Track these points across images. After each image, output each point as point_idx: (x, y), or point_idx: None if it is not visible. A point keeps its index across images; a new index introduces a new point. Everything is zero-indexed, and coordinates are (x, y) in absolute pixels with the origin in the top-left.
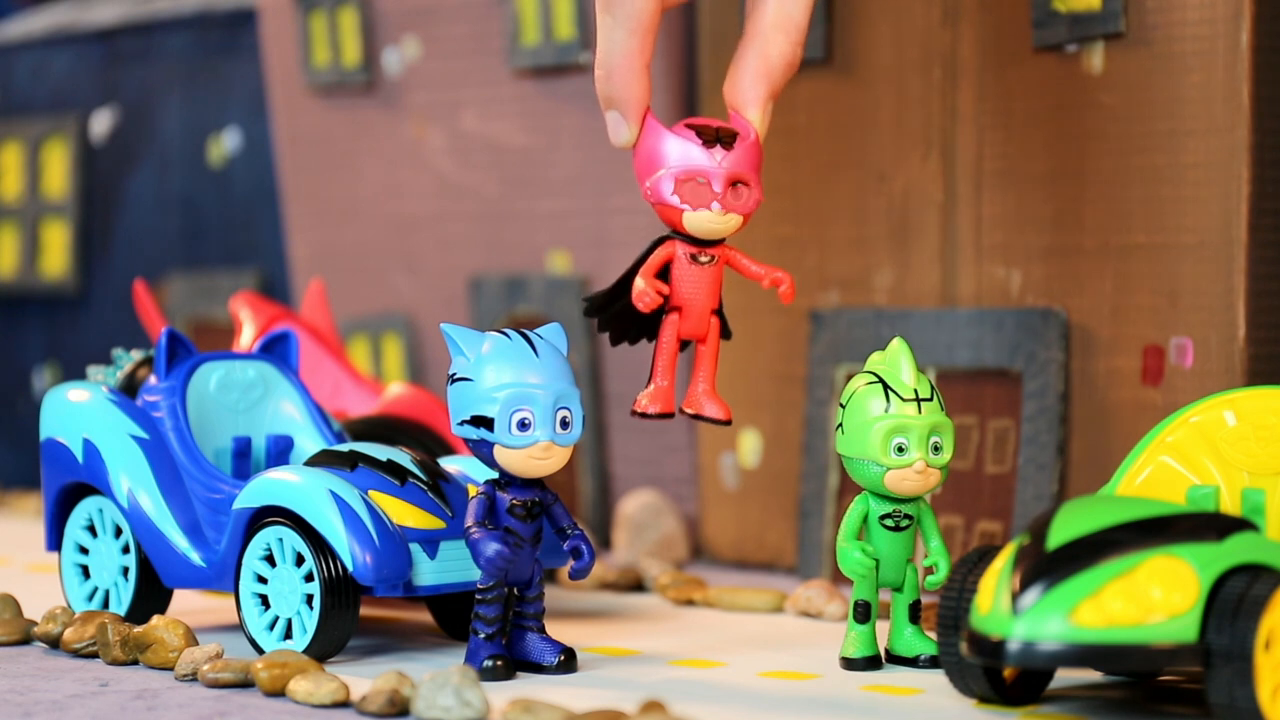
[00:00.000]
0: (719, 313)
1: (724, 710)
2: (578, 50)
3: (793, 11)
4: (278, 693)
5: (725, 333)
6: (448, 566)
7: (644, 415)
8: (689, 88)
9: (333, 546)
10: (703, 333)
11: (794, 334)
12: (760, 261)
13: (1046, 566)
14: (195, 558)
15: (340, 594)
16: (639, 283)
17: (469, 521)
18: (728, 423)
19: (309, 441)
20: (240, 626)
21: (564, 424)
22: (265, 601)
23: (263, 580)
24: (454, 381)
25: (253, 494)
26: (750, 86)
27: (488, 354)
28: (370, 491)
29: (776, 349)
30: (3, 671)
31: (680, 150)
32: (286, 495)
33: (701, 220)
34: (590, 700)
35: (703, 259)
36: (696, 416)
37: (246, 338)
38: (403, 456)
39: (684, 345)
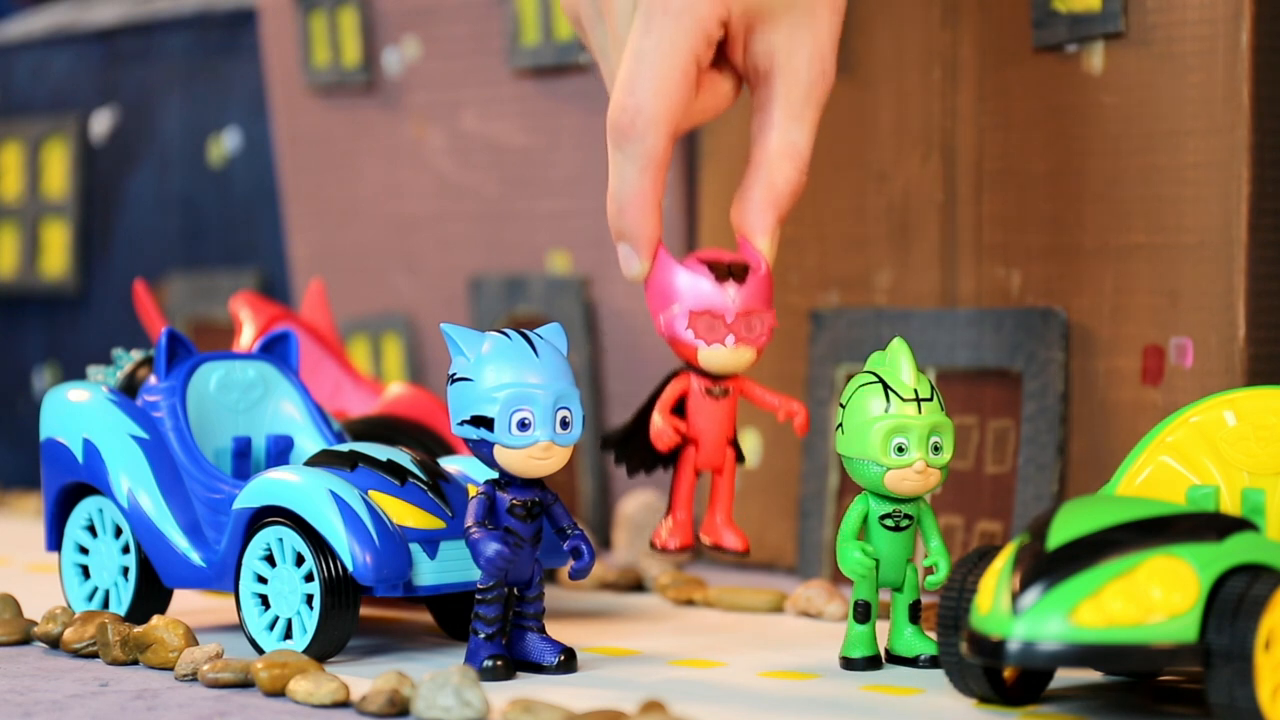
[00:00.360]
0: (734, 443)
1: (724, 710)
2: (578, 50)
3: (797, 139)
4: (278, 693)
5: (740, 458)
6: (448, 566)
7: (664, 550)
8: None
9: (333, 546)
10: (719, 464)
11: (794, 334)
12: (775, 391)
13: (1047, 566)
14: (195, 558)
15: (340, 594)
16: (657, 421)
17: (469, 521)
18: (745, 553)
19: (309, 441)
20: (240, 626)
21: (564, 424)
22: (265, 601)
23: (263, 580)
24: (454, 381)
25: (253, 494)
26: (759, 215)
27: (488, 354)
28: (370, 491)
29: (777, 349)
30: (3, 671)
31: (693, 286)
32: (286, 495)
33: (716, 356)
34: (590, 700)
35: (717, 392)
36: (715, 547)
37: (246, 338)
38: (403, 456)
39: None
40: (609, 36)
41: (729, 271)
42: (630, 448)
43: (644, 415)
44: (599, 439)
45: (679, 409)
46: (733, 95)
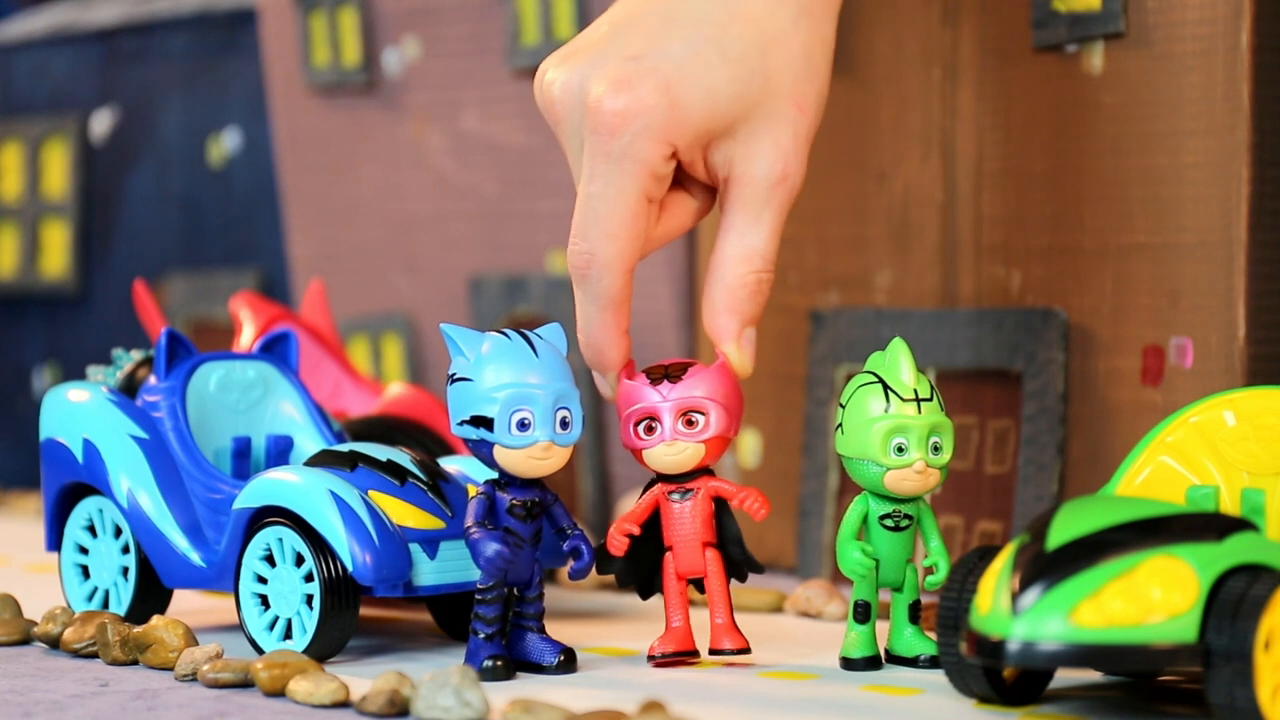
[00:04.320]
0: (720, 546)
1: (724, 710)
2: None
3: (754, 242)
4: (278, 693)
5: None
6: (447, 567)
7: (660, 658)
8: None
9: (332, 547)
10: (698, 569)
11: (794, 334)
12: (735, 483)
13: (1046, 567)
14: (195, 558)
15: (340, 594)
16: (611, 529)
17: (469, 521)
18: (745, 652)
19: (309, 441)
20: (240, 626)
21: (564, 424)
22: (265, 601)
23: (262, 580)
24: (454, 381)
25: (253, 494)
26: (720, 320)
27: (487, 354)
28: (370, 491)
29: (776, 349)
30: (3, 671)
31: (632, 395)
32: (286, 495)
33: (656, 455)
34: (590, 700)
35: (677, 495)
36: (715, 652)
37: (246, 338)
38: (402, 457)
39: (698, 584)
40: (570, 167)
41: (665, 374)
42: (627, 564)
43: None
44: (597, 561)
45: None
46: (704, 208)
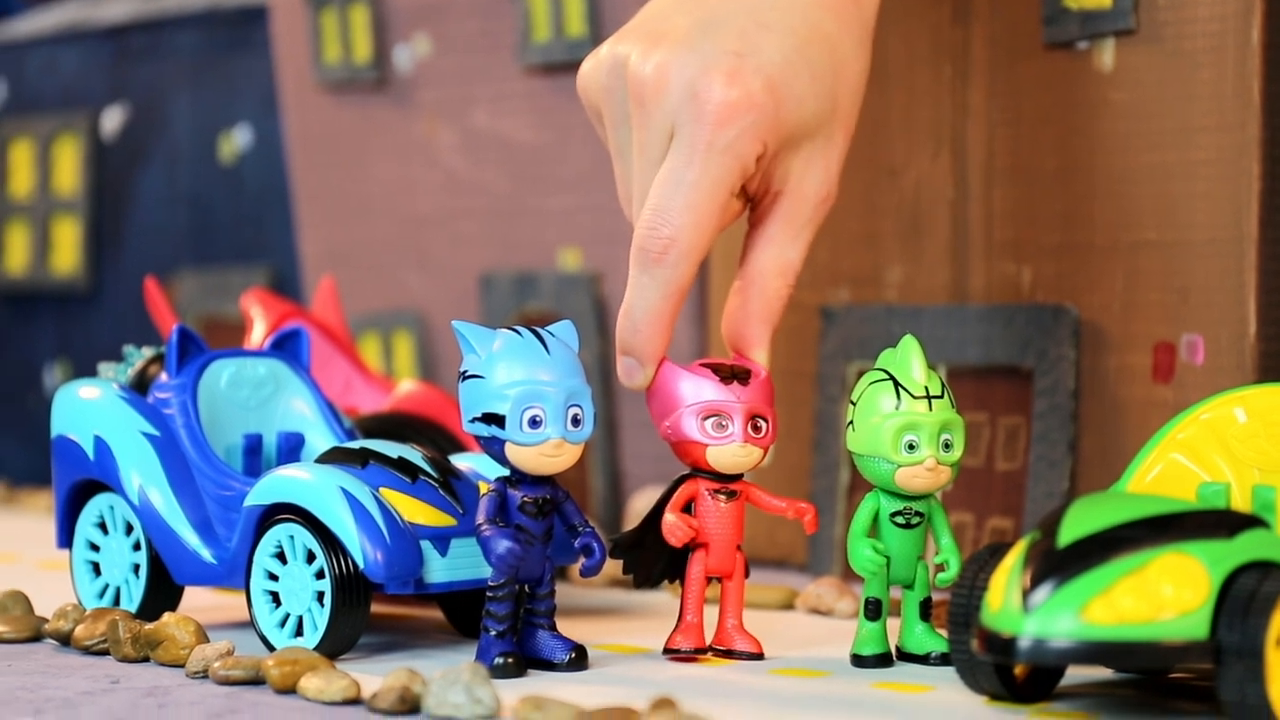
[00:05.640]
0: (741, 548)
1: (735, 707)
2: (588, 47)
3: (793, 257)
4: (288, 690)
5: (746, 568)
6: (459, 564)
7: (676, 653)
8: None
9: (344, 544)
10: (729, 569)
11: (805, 331)
12: (781, 495)
13: (1057, 564)
14: (206, 555)
15: (351, 591)
16: (669, 517)
17: (480, 519)
18: (759, 657)
19: (320, 438)
20: (251, 623)
21: (575, 421)
22: (276, 599)
23: (274, 577)
24: (465, 379)
25: (264, 491)
26: (755, 328)
27: (499, 351)
28: (381, 489)
29: (787, 346)
30: (14, 668)
31: (699, 388)
32: (298, 492)
33: (725, 454)
34: (601, 697)
35: (724, 495)
36: (727, 653)
37: (257, 335)
38: (414, 454)
39: (709, 581)
40: (636, 147)
41: (733, 374)
42: (639, 553)
43: (652, 521)
44: (610, 545)
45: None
46: (738, 215)
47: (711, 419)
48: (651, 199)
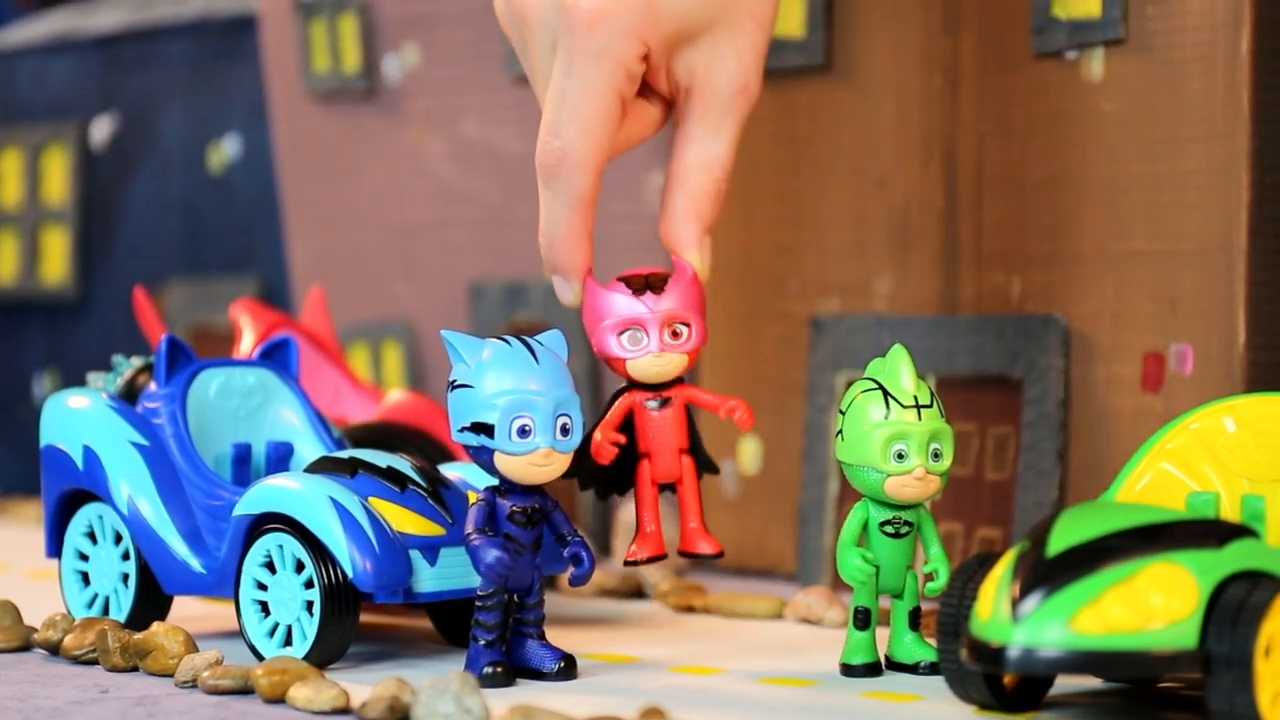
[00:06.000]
0: (692, 451)
1: (723, 717)
2: None
3: (716, 151)
4: (278, 699)
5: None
6: (448, 573)
7: (635, 563)
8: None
9: (333, 553)
10: (675, 474)
11: (794, 341)
12: (715, 393)
13: (1046, 573)
14: (195, 564)
15: (340, 601)
16: (596, 435)
17: (469, 528)
18: (720, 555)
19: (309, 448)
20: (240, 633)
21: (564, 430)
22: (265, 608)
23: (263, 587)
24: (454, 388)
25: (253, 501)
26: (682, 228)
27: (488, 361)
28: (370, 498)
29: (776, 356)
30: (3, 678)
31: (613, 302)
32: (287, 502)
33: (642, 365)
34: (590, 707)
35: (656, 404)
36: (691, 555)
37: (246, 344)
38: (403, 463)
39: (668, 488)
40: (533, 69)
41: (646, 284)
42: (588, 470)
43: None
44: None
45: (630, 426)
46: (661, 120)
47: (626, 333)
48: (544, 115)
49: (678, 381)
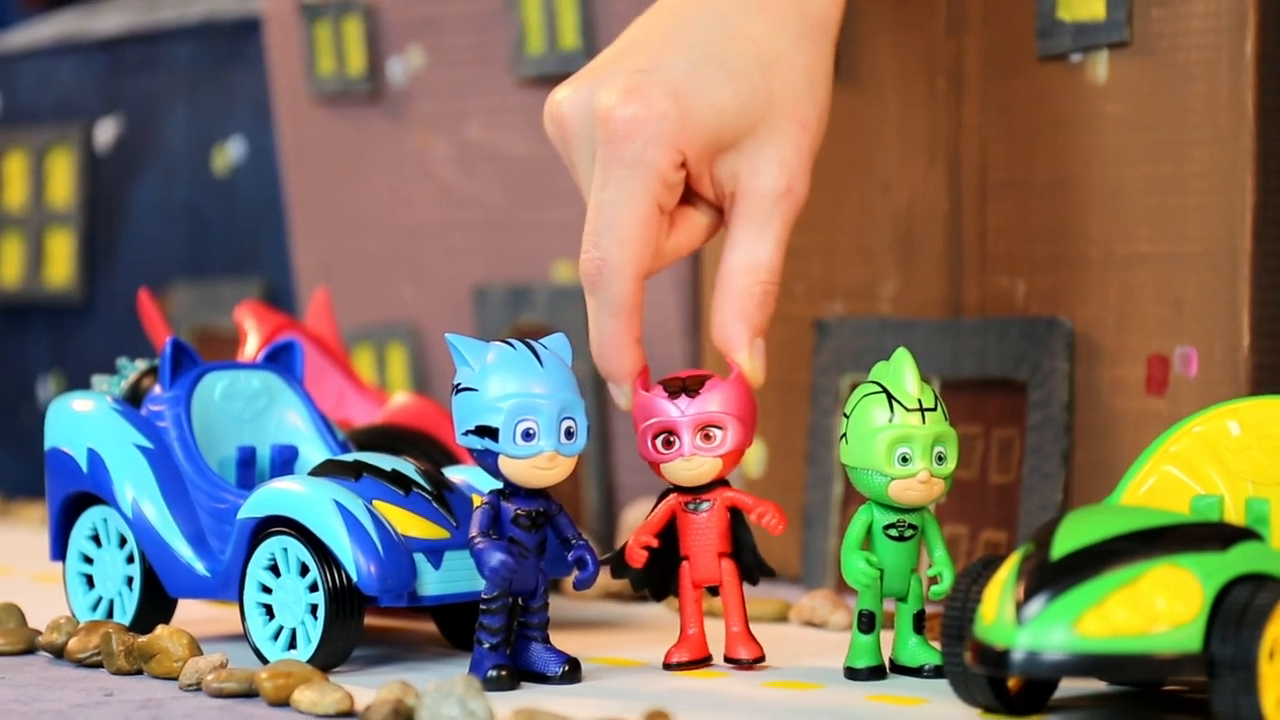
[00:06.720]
0: (735, 555)
1: None
2: (582, 59)
3: (760, 255)
4: (282, 702)
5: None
6: (452, 576)
7: (675, 667)
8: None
9: (337, 556)
10: (713, 578)
11: (798, 344)
12: (752, 495)
13: (1051, 576)
14: (200, 567)
15: (344, 604)
16: (629, 540)
17: (473, 531)
18: (760, 660)
19: (313, 451)
20: (244, 636)
21: (569, 434)
22: (270, 611)
23: (267, 590)
24: (458, 391)
25: (257, 504)
26: (730, 329)
27: (492, 364)
28: (375, 501)
29: (781, 358)
30: (7, 681)
31: (649, 408)
32: (291, 505)
33: (674, 469)
34: (594, 710)
35: (692, 507)
36: (731, 661)
37: (251, 347)
38: (407, 466)
39: (715, 590)
40: (578, 180)
41: (682, 386)
42: (637, 571)
43: None
44: (610, 567)
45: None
46: (712, 227)
47: (660, 436)
48: (586, 226)
49: (720, 484)
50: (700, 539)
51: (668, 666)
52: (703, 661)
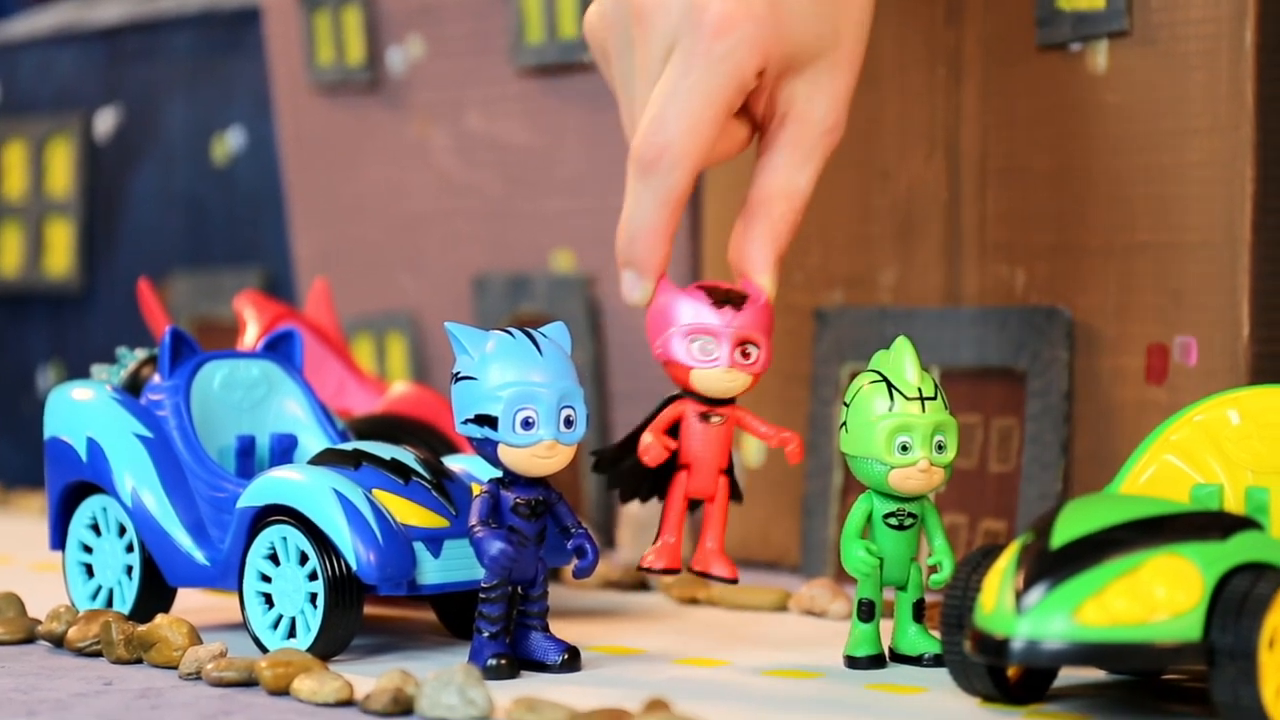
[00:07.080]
0: (729, 472)
1: (728, 709)
2: (582, 49)
3: (800, 182)
4: (282, 691)
5: (736, 495)
6: (452, 565)
7: (649, 570)
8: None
9: (336, 545)
10: (710, 492)
11: (798, 332)
12: (769, 422)
13: (1050, 565)
14: (199, 556)
15: (344, 593)
16: (646, 437)
17: (473, 520)
18: (734, 581)
19: (313, 440)
20: (244, 625)
21: (568, 423)
22: (269, 600)
23: (266, 579)
24: (458, 380)
25: (257, 493)
26: (760, 251)
27: (492, 353)
28: (374, 490)
29: (781, 347)
30: (7, 670)
31: (691, 310)
32: (290, 494)
33: (709, 378)
34: (594, 699)
35: (713, 419)
36: (704, 575)
37: (250, 336)
38: (407, 455)
39: (695, 505)
40: (637, 69)
41: (727, 297)
42: (621, 470)
43: (636, 438)
44: (591, 459)
45: (673, 435)
46: (746, 141)
47: (698, 342)
48: (649, 109)
49: (732, 401)
50: (706, 451)
51: (641, 569)
52: (675, 572)
